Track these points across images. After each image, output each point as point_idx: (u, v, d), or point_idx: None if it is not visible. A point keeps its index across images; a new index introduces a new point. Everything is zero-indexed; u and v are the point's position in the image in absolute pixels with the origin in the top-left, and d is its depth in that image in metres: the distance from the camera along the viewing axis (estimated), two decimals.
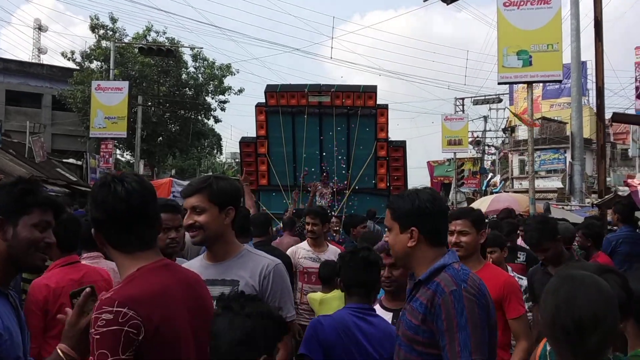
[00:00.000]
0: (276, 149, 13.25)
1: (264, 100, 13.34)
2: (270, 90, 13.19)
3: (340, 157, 13.02)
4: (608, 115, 15.04)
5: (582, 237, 5.87)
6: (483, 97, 38.52)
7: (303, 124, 13.01)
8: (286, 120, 13.14)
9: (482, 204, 15.53)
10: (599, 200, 10.34)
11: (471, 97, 39.27)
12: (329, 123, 13.00)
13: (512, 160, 37.85)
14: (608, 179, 16.29)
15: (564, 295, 1.60)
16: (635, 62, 24.47)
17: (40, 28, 44.72)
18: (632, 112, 22.75)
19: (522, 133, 34.78)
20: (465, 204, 29.62)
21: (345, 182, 12.92)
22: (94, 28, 29.37)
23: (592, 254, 5.61)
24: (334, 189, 12.51)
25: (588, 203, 16.01)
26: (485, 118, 41.12)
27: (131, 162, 29.80)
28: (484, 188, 36.48)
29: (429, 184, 46.43)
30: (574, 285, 1.61)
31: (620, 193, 7.21)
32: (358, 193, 13.02)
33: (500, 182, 37.09)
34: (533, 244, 4.29)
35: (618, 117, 12.23)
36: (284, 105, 13.10)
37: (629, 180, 5.93)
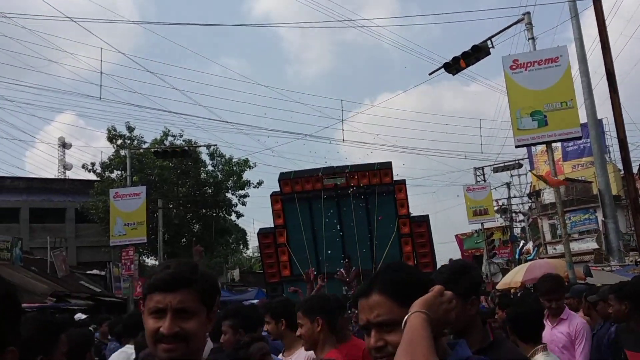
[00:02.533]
0: (296, 237, 12.95)
1: (279, 189, 13.18)
2: (284, 178, 13.05)
3: (362, 238, 12.62)
4: (634, 169, 14.53)
5: (616, 302, 4.34)
6: (503, 164, 38.12)
7: (320, 209, 12.76)
8: (303, 206, 12.90)
9: (518, 273, 14.83)
10: None
11: (490, 165, 38.90)
12: (347, 204, 12.73)
13: (542, 226, 36.93)
14: None
15: None
16: None
17: (64, 145, 46.02)
18: None
19: (549, 196, 34.11)
20: (500, 275, 28.64)
21: (371, 265, 12.46)
22: (111, 138, 30.04)
23: (636, 318, 4.52)
24: (355, 274, 12.01)
25: (630, 261, 15.20)
26: (508, 185, 40.54)
27: (155, 266, 29.57)
28: (517, 257, 35.41)
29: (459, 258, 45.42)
30: None
31: None
32: None
33: (534, 249, 36.03)
34: None
35: None
36: (299, 192, 12.92)
37: None
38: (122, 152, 28.72)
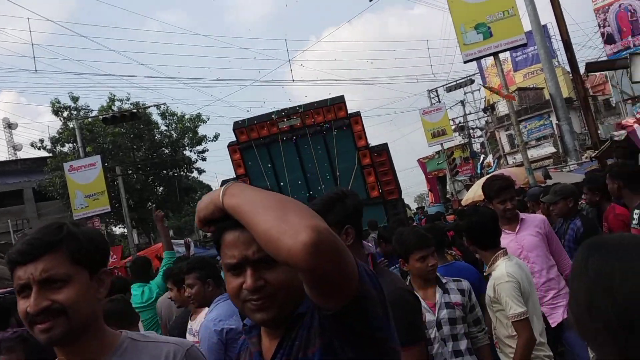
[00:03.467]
0: (259, 184, 12.83)
1: (235, 139, 12.97)
2: (238, 127, 12.82)
3: (325, 176, 12.60)
4: (581, 69, 14.73)
5: (589, 192, 5.46)
6: (455, 82, 38.31)
7: (280, 152, 12.63)
8: (262, 152, 12.75)
9: (481, 187, 15.09)
10: (597, 152, 9.94)
11: (443, 86, 39.06)
12: (306, 144, 12.61)
13: (499, 138, 37.57)
14: (598, 131, 15.90)
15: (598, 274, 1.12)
16: (594, 9, 24.32)
17: (10, 126, 44.52)
18: (603, 59, 22.51)
19: (503, 108, 34.54)
20: (464, 192, 29.21)
21: None
22: (57, 111, 29.09)
23: (604, 207, 5.15)
24: None
25: (585, 159, 15.61)
26: (463, 102, 40.86)
27: (125, 233, 29.32)
28: (479, 172, 36.09)
29: (424, 183, 46.14)
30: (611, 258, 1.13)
31: (616, 138, 6.82)
32: None
33: (494, 161, 36.74)
34: None
35: (592, 66, 11.93)
36: (255, 139, 12.73)
37: (624, 122, 5.54)
38: (70, 124, 27.90)
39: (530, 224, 4.46)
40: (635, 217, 4.18)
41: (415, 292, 3.20)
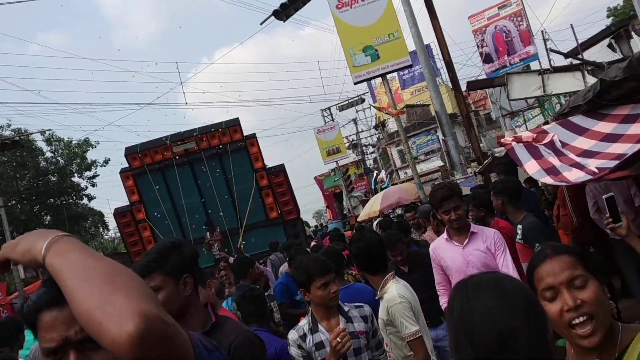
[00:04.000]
0: (155, 210, 12.57)
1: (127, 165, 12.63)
2: (131, 153, 12.51)
3: (223, 199, 12.52)
4: (463, 87, 15.62)
5: (474, 209, 5.77)
6: (347, 102, 39.31)
7: (175, 177, 12.43)
8: (156, 178, 12.49)
9: (375, 203, 15.59)
10: (479, 167, 10.56)
11: (335, 105, 39.96)
12: (202, 168, 12.50)
13: (391, 153, 38.80)
14: (481, 145, 16.89)
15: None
16: (472, 31, 25.84)
17: None
18: (483, 77, 23.96)
19: (393, 125, 35.77)
20: (360, 208, 29.91)
21: (237, 223, 12.47)
22: None
23: (489, 222, 5.50)
24: (219, 236, 12.08)
25: (470, 173, 16.50)
26: (355, 121, 41.97)
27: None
28: (373, 187, 37.11)
29: (322, 199, 46.78)
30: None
31: (497, 155, 7.30)
32: (253, 229, 12.59)
33: (387, 177, 37.89)
34: None
35: (473, 85, 12.67)
36: (149, 164, 12.46)
37: (502, 140, 5.91)
38: None
39: (479, 238, 4.17)
40: (519, 232, 4.48)
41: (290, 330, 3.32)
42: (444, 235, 4.30)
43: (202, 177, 12.57)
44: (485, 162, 9.91)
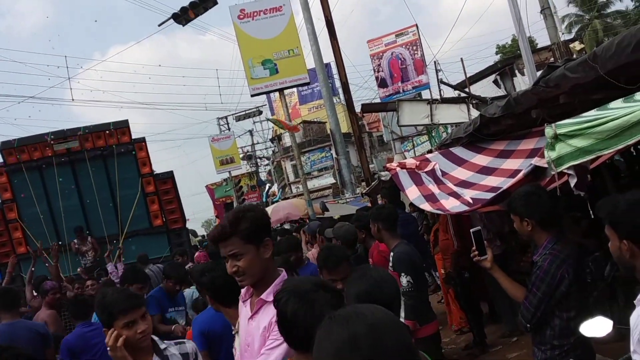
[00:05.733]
0: (29, 210, 11.81)
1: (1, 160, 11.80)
2: (7, 148, 11.72)
3: (104, 203, 11.97)
4: (357, 109, 15.99)
5: (372, 223, 5.82)
6: (244, 112, 39.14)
7: (54, 177, 11.75)
8: (33, 176, 11.75)
9: None
10: (367, 188, 10.81)
11: (232, 114, 39.70)
12: (84, 169, 11.90)
13: (285, 167, 39.00)
14: (371, 166, 17.36)
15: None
16: (370, 55, 26.63)
17: None
18: (377, 101, 24.70)
19: (289, 139, 35.98)
20: None
21: (117, 229, 11.94)
22: None
23: (369, 244, 5.60)
24: (93, 243, 11.53)
25: (359, 192, 16.89)
26: (251, 132, 41.88)
27: None
28: (264, 200, 37.09)
29: (212, 209, 46.11)
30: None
31: (383, 178, 7.50)
32: (134, 236, 12.10)
33: (279, 190, 38.03)
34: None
35: (367, 108, 12.98)
36: (26, 161, 11.72)
37: (388, 165, 6.07)
38: None
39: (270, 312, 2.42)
40: (391, 259, 4.59)
41: None
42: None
43: (84, 178, 11.97)
44: (372, 184, 10.16)
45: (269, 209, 16.06)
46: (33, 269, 8.34)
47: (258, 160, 42.90)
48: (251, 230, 2.45)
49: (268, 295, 2.47)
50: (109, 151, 12.01)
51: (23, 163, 11.72)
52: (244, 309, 2.66)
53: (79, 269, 11.01)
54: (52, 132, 12.23)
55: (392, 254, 4.62)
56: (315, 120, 39.58)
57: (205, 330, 3.90)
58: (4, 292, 5.75)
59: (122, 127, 12.20)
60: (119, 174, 11.97)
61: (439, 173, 5.58)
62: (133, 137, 12.41)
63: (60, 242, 11.14)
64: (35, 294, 7.67)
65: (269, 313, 2.41)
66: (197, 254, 11.86)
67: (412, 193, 5.42)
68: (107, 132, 12.04)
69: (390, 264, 4.55)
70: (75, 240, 11.63)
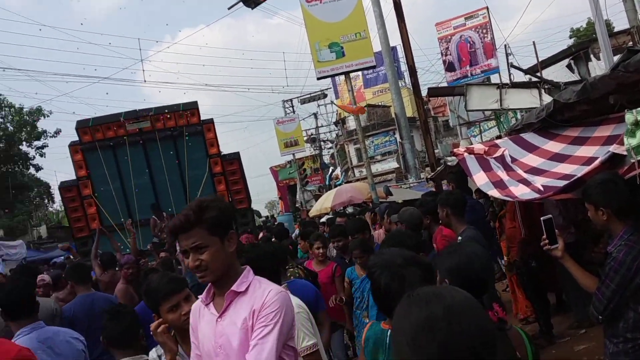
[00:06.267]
0: (102, 187, 12.29)
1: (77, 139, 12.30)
2: (83, 126, 12.19)
3: (174, 182, 12.32)
4: (424, 92, 15.76)
5: (440, 208, 5.82)
6: (309, 95, 39.25)
7: (126, 156, 12.17)
8: (107, 154, 12.21)
9: (327, 199, 15.61)
10: (432, 173, 10.68)
11: (297, 97, 39.87)
12: (155, 149, 12.27)
13: (348, 151, 38.97)
14: (436, 151, 17.12)
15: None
16: (438, 38, 26.14)
17: None
18: (444, 85, 24.28)
19: (353, 123, 35.90)
20: (313, 202, 30.00)
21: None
22: None
23: (433, 229, 5.56)
24: (169, 219, 11.84)
25: (423, 178, 16.70)
26: (315, 115, 41.96)
27: None
28: (327, 183, 37.21)
29: (275, 190, 46.69)
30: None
31: (449, 163, 7.39)
32: None
33: (342, 174, 38.05)
34: None
35: (433, 92, 12.79)
36: (100, 140, 12.17)
37: (455, 150, 5.97)
38: None
39: (245, 303, 2.28)
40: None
41: None
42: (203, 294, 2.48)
43: (154, 158, 12.35)
44: (437, 169, 10.03)
45: (332, 192, 16.14)
46: (96, 245, 8.49)
47: (322, 143, 43.01)
48: (217, 221, 2.24)
49: (239, 285, 2.27)
50: (179, 132, 12.32)
51: (97, 142, 12.18)
52: (207, 313, 2.38)
53: (148, 245, 11.39)
54: (125, 112, 12.65)
55: (459, 238, 4.57)
56: (380, 104, 39.29)
57: None
58: (79, 266, 6.05)
59: (192, 108, 12.48)
60: (187, 154, 12.29)
61: (508, 159, 5.45)
62: (201, 118, 12.68)
63: (131, 220, 11.55)
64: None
65: (245, 304, 2.26)
66: (260, 234, 12.07)
67: (479, 179, 5.33)
68: (177, 113, 12.34)
69: None
70: (155, 217, 11.98)
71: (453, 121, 28.54)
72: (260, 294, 2.25)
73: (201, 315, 2.42)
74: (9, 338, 3.44)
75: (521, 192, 4.89)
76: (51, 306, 5.11)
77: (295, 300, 3.17)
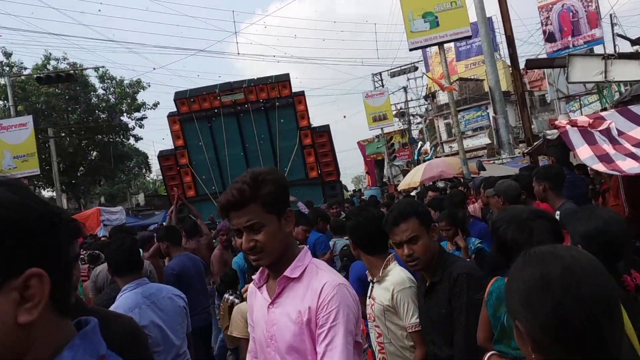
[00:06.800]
0: (198, 157, 12.71)
1: (175, 109, 12.75)
2: (180, 98, 12.60)
3: (265, 153, 12.57)
4: (521, 65, 15.14)
5: (535, 182, 5.63)
6: (399, 68, 38.71)
7: (221, 126, 12.50)
8: (202, 125, 12.59)
9: (417, 173, 15.42)
10: (529, 148, 10.29)
11: (387, 70, 39.41)
12: (248, 120, 12.53)
13: (438, 126, 38.27)
14: (532, 126, 16.48)
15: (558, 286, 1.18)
16: (538, 7, 24.93)
17: None
18: (543, 57, 23.19)
19: (443, 97, 35.16)
20: (401, 177, 29.75)
21: None
22: None
23: (531, 204, 5.36)
24: None
25: (518, 153, 16.14)
26: (405, 89, 41.37)
27: (54, 197, 28.47)
28: (416, 158, 36.75)
29: (363, 165, 46.64)
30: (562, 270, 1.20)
31: (549, 137, 7.07)
32: (291, 186, 12.55)
33: (431, 149, 37.45)
34: None
35: (532, 64, 12.24)
36: (197, 111, 12.55)
37: (557, 122, 5.69)
38: (2, 81, 26.60)
39: (300, 291, 2.05)
40: (557, 217, 4.35)
41: None
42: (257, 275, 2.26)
43: (247, 129, 12.61)
44: (535, 143, 9.65)
45: (422, 166, 15.92)
46: (176, 212, 8.50)
47: (411, 117, 42.45)
48: (274, 197, 1.99)
49: (293, 270, 2.05)
50: (271, 104, 12.50)
51: (194, 112, 12.58)
52: (259, 297, 2.19)
53: None
54: (220, 84, 12.96)
55: (557, 212, 4.39)
56: (473, 77, 38.20)
57: (363, 276, 4.01)
58: (173, 228, 6.37)
59: (284, 80, 12.61)
60: (279, 126, 12.47)
61: (614, 132, 5.16)
62: (293, 90, 12.80)
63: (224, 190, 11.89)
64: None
65: (299, 293, 2.03)
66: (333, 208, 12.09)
67: (583, 152, 5.08)
68: (269, 85, 12.51)
69: None
70: None
71: (551, 95, 27.27)
72: (315, 286, 2.00)
73: (256, 296, 2.25)
74: (115, 292, 3.65)
75: (629, 166, 4.62)
76: (145, 267, 5.40)
77: (405, 274, 3.12)
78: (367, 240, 3.21)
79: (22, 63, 28.76)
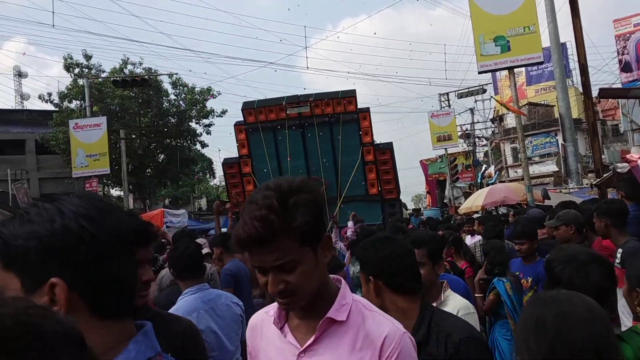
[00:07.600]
0: (261, 167, 12.92)
1: (242, 119, 13.04)
2: (248, 108, 12.86)
3: (327, 167, 12.66)
4: (594, 93, 14.74)
5: (596, 218, 5.37)
6: (467, 90, 38.24)
7: (285, 138, 12.68)
8: (267, 136, 12.81)
9: (479, 197, 15.20)
10: (598, 180, 9.99)
11: (454, 91, 39.02)
12: (312, 133, 12.67)
13: (504, 150, 37.59)
14: (603, 156, 15.98)
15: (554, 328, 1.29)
16: (615, 35, 24.26)
17: (20, 74, 44.53)
18: (617, 86, 22.49)
19: (511, 121, 34.51)
20: (462, 199, 29.33)
21: (337, 193, 12.58)
22: (68, 67, 29.01)
23: (592, 240, 5.19)
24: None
25: (586, 184, 15.66)
26: (472, 110, 40.85)
27: (121, 197, 29.48)
28: (479, 180, 36.16)
29: (424, 184, 46.19)
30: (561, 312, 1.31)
31: (619, 170, 6.86)
32: (350, 202, 12.65)
33: (495, 173, 36.79)
34: None
35: (605, 93, 11.93)
36: (263, 121, 12.77)
37: (628, 156, 5.55)
38: (80, 82, 27.82)
39: (347, 339, 1.60)
40: (618, 255, 4.21)
41: None
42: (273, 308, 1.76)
43: (311, 142, 12.75)
44: (605, 175, 9.35)
45: (485, 190, 15.68)
46: (217, 224, 8.50)
47: (476, 139, 41.82)
48: (311, 226, 1.49)
49: (338, 312, 1.58)
50: (336, 118, 12.60)
51: (260, 123, 12.82)
52: (276, 339, 1.68)
53: None
54: (287, 96, 13.17)
55: (619, 250, 4.24)
56: (542, 102, 37.36)
57: None
58: (228, 236, 6.51)
59: (350, 96, 12.69)
60: (342, 141, 12.55)
61: None
62: (358, 106, 12.87)
63: None
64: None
65: (344, 341, 1.58)
66: (409, 226, 12.02)
67: None
68: (335, 100, 12.61)
69: (617, 260, 4.20)
70: None
71: (625, 126, 26.36)
72: (373, 336, 1.57)
73: (264, 336, 1.74)
74: (177, 295, 3.78)
75: None
76: (208, 271, 5.55)
77: (463, 302, 2.94)
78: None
79: (100, 66, 30.04)
